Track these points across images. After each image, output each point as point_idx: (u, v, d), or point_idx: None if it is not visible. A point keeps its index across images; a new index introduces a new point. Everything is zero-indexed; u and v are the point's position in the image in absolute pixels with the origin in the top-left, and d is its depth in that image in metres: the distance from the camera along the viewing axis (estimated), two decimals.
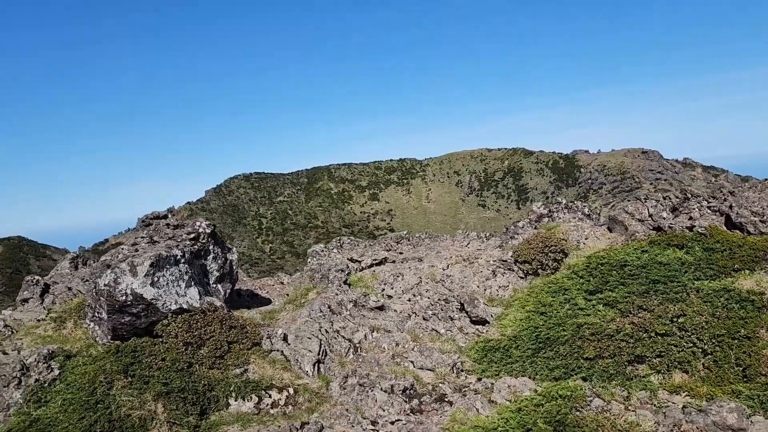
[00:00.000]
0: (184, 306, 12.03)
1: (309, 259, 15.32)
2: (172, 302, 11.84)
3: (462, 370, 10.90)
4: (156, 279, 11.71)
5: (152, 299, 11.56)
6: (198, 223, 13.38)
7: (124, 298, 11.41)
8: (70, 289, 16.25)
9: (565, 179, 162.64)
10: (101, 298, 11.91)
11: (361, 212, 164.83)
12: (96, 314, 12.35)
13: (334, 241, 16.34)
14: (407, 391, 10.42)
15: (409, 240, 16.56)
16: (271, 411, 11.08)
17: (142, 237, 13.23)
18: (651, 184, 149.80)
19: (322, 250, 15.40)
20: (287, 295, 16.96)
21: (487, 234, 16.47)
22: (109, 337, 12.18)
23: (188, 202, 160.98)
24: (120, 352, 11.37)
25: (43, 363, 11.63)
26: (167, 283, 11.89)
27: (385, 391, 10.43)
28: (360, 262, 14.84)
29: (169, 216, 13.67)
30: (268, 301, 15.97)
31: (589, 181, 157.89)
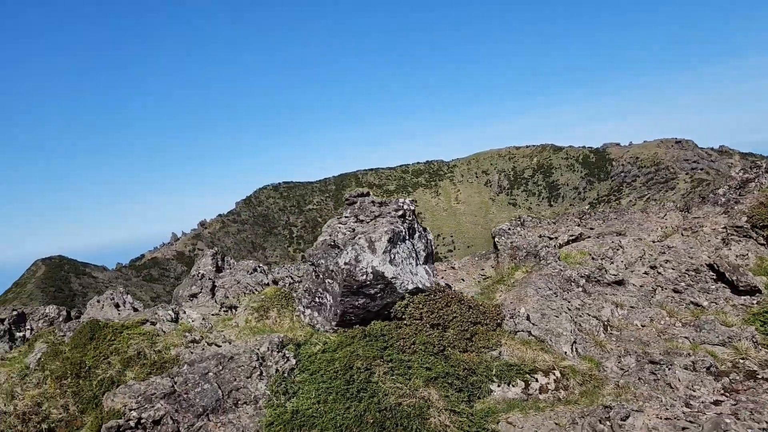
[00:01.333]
0: (420, 285, 11.01)
1: (497, 238, 14.29)
2: (408, 281, 10.83)
3: (757, 344, 9.74)
4: (393, 257, 10.73)
5: (392, 278, 10.56)
6: (402, 200, 12.40)
7: (364, 277, 10.40)
8: (238, 282, 15.39)
9: (596, 173, 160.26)
10: (330, 279, 10.96)
11: None
12: (317, 299, 11.39)
13: (514, 219, 15.32)
14: (710, 369, 9.27)
15: (590, 215, 15.50)
16: (540, 396, 9.99)
17: (347, 217, 12.28)
18: (687, 174, 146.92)
19: (509, 229, 14.37)
20: (462, 279, 15.93)
21: (680, 205, 15.33)
22: (333, 323, 11.21)
23: (220, 215, 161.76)
24: (369, 336, 10.37)
25: (277, 352, 10.69)
26: (401, 261, 10.90)
27: (687, 369, 9.29)
28: (555, 238, 13.77)
29: (371, 194, 12.72)
30: (448, 287, 14.97)
31: (622, 174, 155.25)
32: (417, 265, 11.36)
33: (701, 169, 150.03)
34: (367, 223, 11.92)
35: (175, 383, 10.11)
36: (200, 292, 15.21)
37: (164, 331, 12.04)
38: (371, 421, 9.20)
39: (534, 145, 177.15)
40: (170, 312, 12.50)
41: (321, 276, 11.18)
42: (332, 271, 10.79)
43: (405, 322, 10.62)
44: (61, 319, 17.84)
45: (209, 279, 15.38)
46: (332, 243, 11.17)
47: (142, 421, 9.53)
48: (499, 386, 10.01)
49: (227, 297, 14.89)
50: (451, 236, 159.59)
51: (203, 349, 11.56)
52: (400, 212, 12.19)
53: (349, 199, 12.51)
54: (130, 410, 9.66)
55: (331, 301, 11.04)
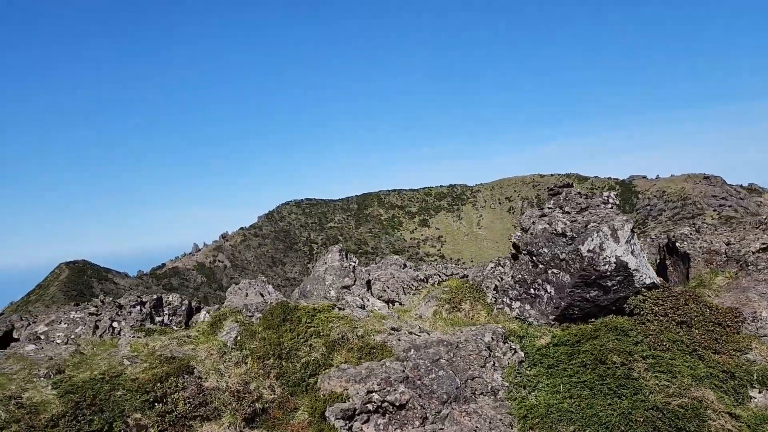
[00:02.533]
0: (655, 281, 10.29)
1: (678, 243, 13.59)
2: (645, 275, 10.11)
3: None
4: (632, 248, 10.02)
5: (633, 270, 9.85)
6: (607, 194, 11.74)
7: (606, 266, 9.71)
8: (393, 276, 14.69)
9: (621, 205, 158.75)
10: (557, 269, 10.26)
11: (411, 238, 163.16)
12: (532, 291, 10.68)
13: (690, 225, 14.67)
14: None
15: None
16: None
17: (550, 208, 11.63)
18: (714, 210, 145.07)
19: (691, 234, 13.69)
20: None
21: None
22: (551, 317, 10.48)
23: (241, 228, 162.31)
24: (616, 330, 9.62)
25: (503, 343, 9.95)
26: (639, 253, 10.19)
27: None
28: (747, 245, 13.06)
29: (574, 185, 12.06)
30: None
31: (648, 207, 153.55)
32: (646, 259, 10.64)
33: (729, 206, 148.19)
34: (576, 213, 11.26)
35: (405, 368, 9.39)
36: (353, 284, 14.52)
37: (358, 318, 11.36)
38: (641, 419, 8.40)
39: (559, 174, 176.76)
40: (358, 299, 11.82)
41: (542, 266, 10.49)
42: (563, 260, 10.10)
43: (646, 317, 9.86)
44: (183, 308, 17.21)
45: (363, 271, 14.71)
46: (555, 231, 10.49)
47: (384, 404, 8.81)
48: (760, 392, 9.18)
49: (385, 290, 14.18)
50: (472, 261, 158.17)
51: (407, 336, 10.84)
52: (609, 205, 11.53)
53: (553, 190, 11.86)
54: (370, 392, 8.95)
55: (553, 292, 10.32)
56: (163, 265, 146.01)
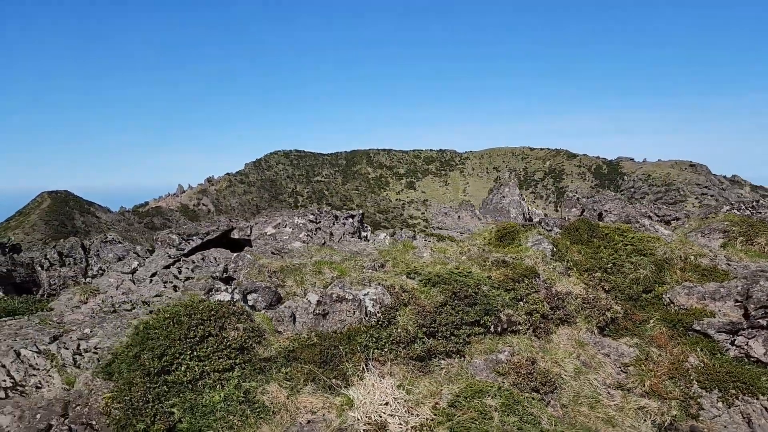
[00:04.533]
0: None
1: None
2: None
3: None
4: None
5: None
6: None
7: None
8: (623, 209, 14.06)
9: (606, 185, 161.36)
10: None
11: (396, 199, 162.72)
12: None
13: None
14: None
15: None
16: None
17: None
18: (696, 198, 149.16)
19: None
20: None
21: None
22: None
23: (227, 173, 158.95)
24: None
25: None
26: None
27: None
28: None
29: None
30: None
31: (632, 189, 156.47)
32: None
33: (711, 196, 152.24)
34: None
35: None
36: (581, 214, 13.86)
37: (668, 241, 10.74)
38: None
39: (549, 149, 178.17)
40: (653, 222, 11.20)
41: None
42: None
43: None
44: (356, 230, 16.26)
45: (587, 201, 14.05)
46: None
47: None
48: None
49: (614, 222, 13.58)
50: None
51: (732, 262, 10.30)
52: None
53: None
54: (762, 308, 8.39)
55: None
56: (146, 203, 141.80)
